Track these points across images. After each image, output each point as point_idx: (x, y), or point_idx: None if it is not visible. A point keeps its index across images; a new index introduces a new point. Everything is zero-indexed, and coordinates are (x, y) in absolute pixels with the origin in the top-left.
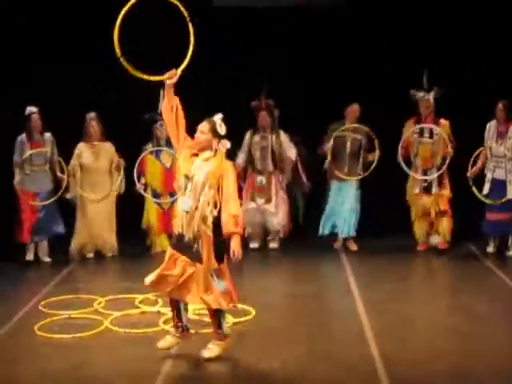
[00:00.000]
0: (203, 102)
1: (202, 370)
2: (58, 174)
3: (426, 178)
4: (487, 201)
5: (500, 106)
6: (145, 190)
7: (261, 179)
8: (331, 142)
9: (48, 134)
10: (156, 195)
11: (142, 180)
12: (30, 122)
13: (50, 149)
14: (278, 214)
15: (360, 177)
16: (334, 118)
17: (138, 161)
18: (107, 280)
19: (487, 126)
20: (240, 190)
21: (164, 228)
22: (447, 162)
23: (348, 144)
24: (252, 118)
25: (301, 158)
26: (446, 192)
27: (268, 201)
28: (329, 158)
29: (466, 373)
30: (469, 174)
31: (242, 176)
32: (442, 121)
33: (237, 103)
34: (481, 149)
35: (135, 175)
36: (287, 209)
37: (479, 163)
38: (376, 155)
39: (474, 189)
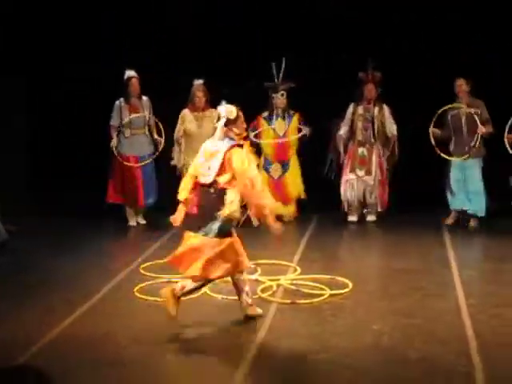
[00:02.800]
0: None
1: (296, 341)
2: (155, 136)
3: None
4: None
5: None
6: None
7: (362, 150)
8: (435, 130)
9: (145, 98)
10: (267, 163)
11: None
12: (129, 86)
13: (148, 112)
14: (376, 187)
15: (466, 156)
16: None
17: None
18: None
19: None
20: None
21: (275, 196)
22: None
23: (463, 120)
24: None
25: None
26: None
27: (368, 172)
28: (433, 142)
29: None
30: None
31: (344, 148)
32: None
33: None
34: None
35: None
36: (386, 182)
37: None
38: (483, 129)
39: None
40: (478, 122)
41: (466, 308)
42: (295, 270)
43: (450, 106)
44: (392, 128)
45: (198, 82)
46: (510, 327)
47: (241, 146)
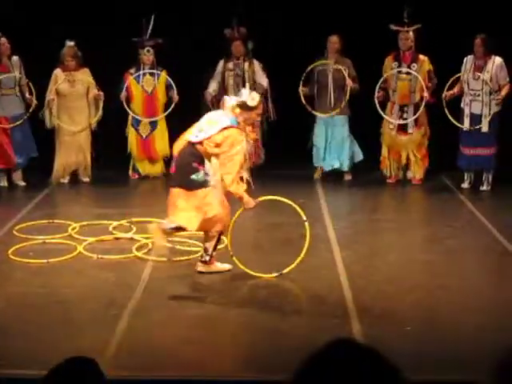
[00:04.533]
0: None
1: (172, 297)
2: (27, 95)
3: (400, 122)
4: (463, 126)
5: (478, 40)
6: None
7: None
8: (304, 89)
9: (15, 58)
10: (136, 121)
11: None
12: None
13: (18, 72)
14: (251, 143)
15: (334, 112)
16: (315, 51)
17: (125, 84)
18: (82, 205)
19: (464, 60)
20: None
21: (144, 154)
22: (423, 105)
23: (330, 77)
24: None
25: (271, 89)
26: (422, 131)
27: None
28: (303, 101)
29: (433, 307)
30: (444, 95)
31: (214, 105)
32: (421, 57)
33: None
34: (457, 75)
35: (123, 95)
36: (259, 137)
37: (456, 89)
38: (349, 85)
39: (446, 112)
40: (346, 76)
41: (341, 260)
42: None
43: (316, 63)
44: (262, 82)
45: (70, 44)
46: (383, 275)
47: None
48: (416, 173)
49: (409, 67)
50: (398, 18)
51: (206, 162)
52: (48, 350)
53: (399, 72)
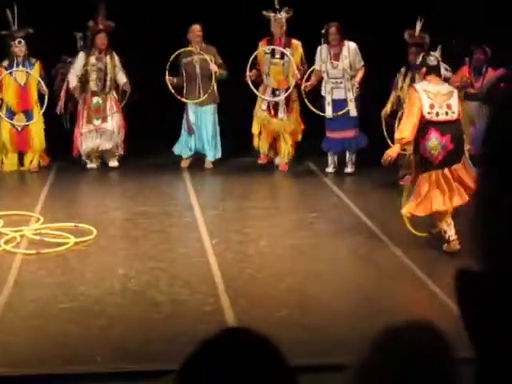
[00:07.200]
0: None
1: (43, 291)
2: None
3: (272, 99)
4: (327, 114)
5: (333, 29)
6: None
7: (97, 100)
8: (170, 78)
9: None
10: (11, 113)
11: None
12: None
13: None
14: (115, 133)
15: (201, 98)
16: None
17: None
18: None
19: (318, 50)
20: (78, 113)
21: (16, 147)
22: (293, 84)
23: (197, 67)
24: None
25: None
26: (293, 117)
27: (105, 120)
28: (171, 90)
29: (306, 293)
30: (303, 87)
31: (78, 97)
32: (294, 41)
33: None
34: (312, 68)
35: None
36: (124, 127)
37: (313, 79)
38: (213, 70)
39: (307, 102)
40: (210, 62)
41: (211, 248)
42: (38, 220)
43: (180, 50)
44: (122, 76)
45: None
46: (254, 262)
47: None
48: (283, 160)
49: (282, 52)
50: (270, 4)
51: None
52: None
53: (272, 56)
